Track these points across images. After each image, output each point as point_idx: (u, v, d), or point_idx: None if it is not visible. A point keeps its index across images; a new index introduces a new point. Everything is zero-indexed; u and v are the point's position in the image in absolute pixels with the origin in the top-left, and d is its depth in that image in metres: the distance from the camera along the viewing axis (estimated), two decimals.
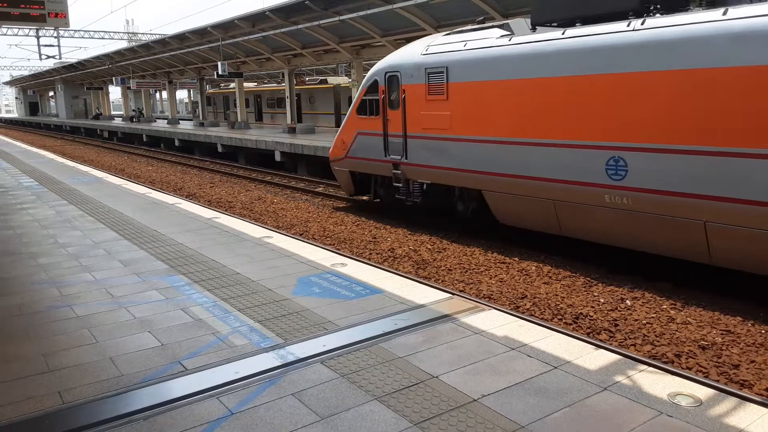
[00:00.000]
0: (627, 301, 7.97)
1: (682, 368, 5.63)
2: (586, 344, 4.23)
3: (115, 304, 5.44)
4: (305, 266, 6.49)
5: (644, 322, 7.29)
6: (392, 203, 13.37)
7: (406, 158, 11.88)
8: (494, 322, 4.70)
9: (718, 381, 5.69)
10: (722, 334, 6.86)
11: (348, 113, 13.75)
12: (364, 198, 15.25)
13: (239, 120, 33.71)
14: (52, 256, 7.22)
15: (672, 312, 7.55)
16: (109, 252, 7.37)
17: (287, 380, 3.82)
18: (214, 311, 5.19)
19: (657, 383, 3.60)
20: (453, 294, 5.47)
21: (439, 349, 4.20)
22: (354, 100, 13.57)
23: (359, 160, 13.35)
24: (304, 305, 5.23)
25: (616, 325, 7.24)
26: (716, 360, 6.24)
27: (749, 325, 7.09)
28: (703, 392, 3.45)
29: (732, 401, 3.34)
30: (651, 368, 3.80)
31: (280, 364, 4.07)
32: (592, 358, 4.00)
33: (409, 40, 21.50)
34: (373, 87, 12.62)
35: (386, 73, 12.31)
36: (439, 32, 18.74)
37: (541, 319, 7.14)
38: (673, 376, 3.72)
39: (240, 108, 33.92)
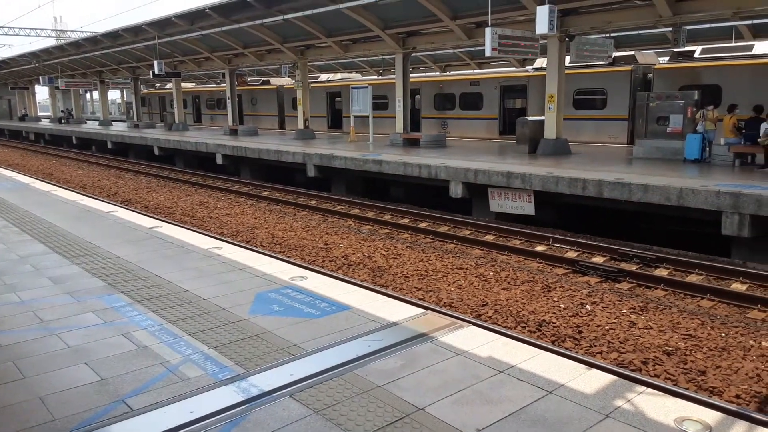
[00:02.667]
0: (587, 306, 7.89)
1: (681, 387, 5.49)
2: (578, 363, 3.95)
3: (44, 331, 4.76)
4: (261, 280, 5.96)
5: (607, 327, 7.20)
6: None
7: None
8: (475, 340, 4.36)
9: (690, 390, 5.61)
10: (684, 338, 6.84)
11: None
12: None
13: (177, 121, 32.37)
14: None
15: (632, 317, 7.50)
16: (36, 268, 6.59)
17: (252, 420, 3.33)
18: (162, 336, 4.61)
19: (660, 407, 3.35)
20: (427, 309, 5.10)
21: (420, 375, 3.81)
22: None
23: None
24: (265, 326, 4.72)
25: (580, 331, 7.11)
26: (683, 366, 6.18)
27: (708, 328, 7.11)
28: (711, 416, 3.22)
29: (742, 426, 3.13)
30: (650, 389, 3.55)
31: (242, 399, 3.58)
32: (586, 379, 3.72)
33: (355, 42, 21.19)
34: None
35: None
36: (386, 33, 18.56)
37: (525, 335, 6.93)
38: (675, 398, 3.48)
39: (178, 109, 32.58)
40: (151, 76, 29.33)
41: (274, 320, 4.84)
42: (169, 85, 40.13)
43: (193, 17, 22.96)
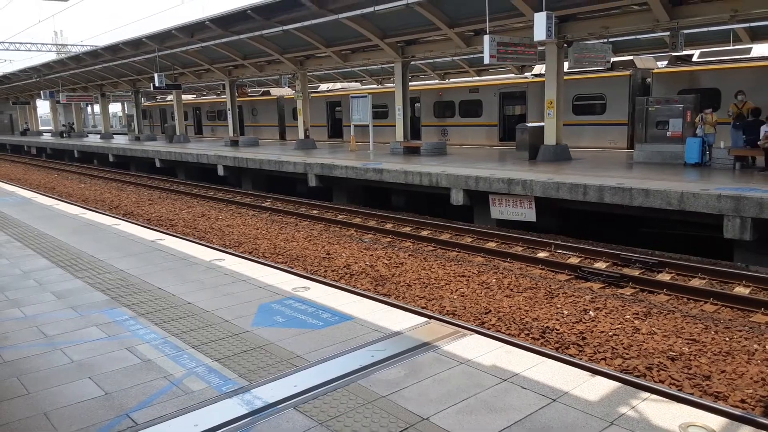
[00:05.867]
0: (590, 312, 7.87)
1: (684, 392, 5.47)
2: (581, 371, 3.94)
3: (48, 345, 4.77)
4: (264, 292, 5.97)
5: (610, 333, 7.18)
6: None
7: None
8: (479, 348, 4.36)
9: (695, 395, 5.59)
10: (688, 343, 6.83)
11: None
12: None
13: (178, 133, 32.47)
14: None
15: (636, 322, 7.48)
16: (40, 282, 6.60)
17: None
18: (165, 349, 4.62)
19: (664, 413, 3.34)
20: (430, 318, 5.10)
21: (424, 385, 3.81)
22: None
23: None
24: (268, 338, 4.73)
25: (584, 338, 7.10)
26: (687, 371, 6.16)
27: (712, 333, 7.09)
28: (715, 422, 3.21)
29: (747, 431, 3.12)
30: (654, 395, 3.55)
31: (246, 411, 3.58)
32: (590, 386, 3.72)
33: (354, 51, 21.29)
34: None
35: None
36: (385, 42, 18.64)
37: (529, 342, 6.93)
38: (680, 404, 3.47)
39: (179, 121, 32.69)
40: (152, 89, 29.46)
41: (278, 332, 4.84)
42: (169, 97, 40.32)
43: (192, 29, 23.11)
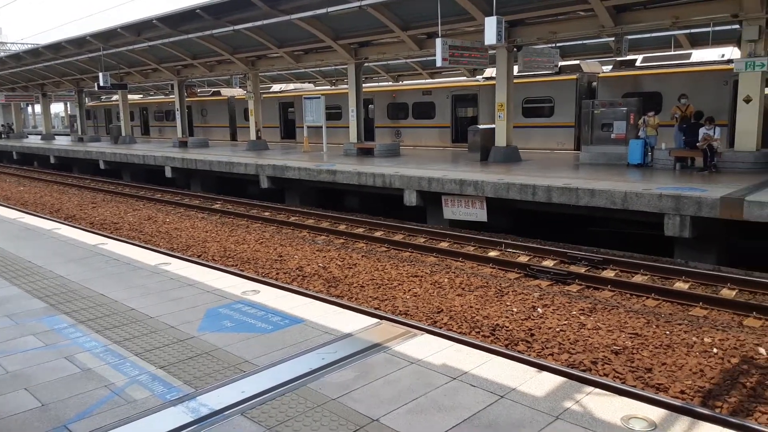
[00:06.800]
0: (539, 309, 8.03)
1: (627, 385, 5.62)
2: (529, 367, 4.01)
3: None
4: (212, 296, 5.83)
5: (558, 329, 7.35)
6: None
7: None
8: (429, 348, 4.37)
9: (637, 387, 5.77)
10: (631, 337, 7.04)
11: None
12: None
13: (123, 134, 31.51)
14: None
15: (582, 318, 7.68)
16: None
17: None
18: (106, 358, 4.45)
19: (607, 406, 3.43)
20: (381, 318, 5.09)
21: (375, 386, 3.79)
22: None
23: None
24: (215, 343, 4.61)
25: (532, 334, 7.24)
26: (630, 365, 6.36)
27: (654, 327, 7.35)
28: (655, 413, 3.32)
29: (685, 422, 3.23)
30: (598, 389, 3.64)
31: (191, 419, 3.47)
32: (536, 382, 3.78)
33: (307, 52, 21.13)
34: None
35: None
36: (338, 43, 18.58)
37: (479, 339, 7.00)
38: (622, 397, 3.57)
39: (124, 121, 31.72)
40: (96, 89, 28.50)
41: (225, 336, 4.73)
42: (115, 97, 39.05)
43: (139, 28, 22.46)
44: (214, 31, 19.44)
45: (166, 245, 12.30)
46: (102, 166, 25.75)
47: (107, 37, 24.16)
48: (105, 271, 6.95)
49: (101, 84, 26.13)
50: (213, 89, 35.55)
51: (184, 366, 4.23)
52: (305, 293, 7.40)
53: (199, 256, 11.22)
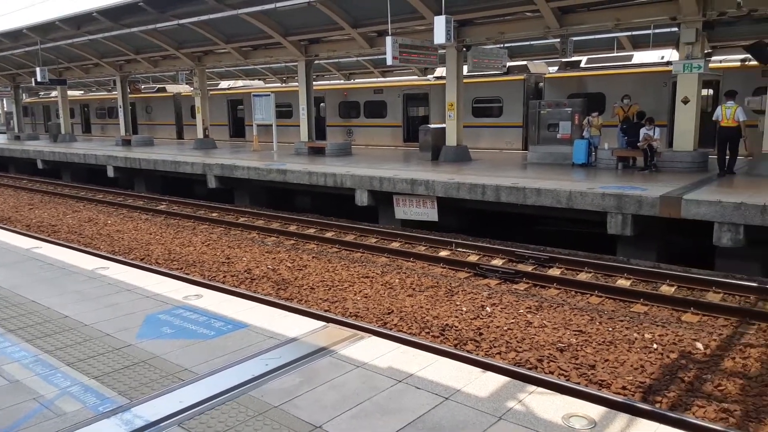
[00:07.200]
0: (487, 308, 8.11)
1: (571, 382, 5.71)
2: (474, 367, 4.01)
3: None
4: (152, 301, 5.61)
5: (505, 328, 7.43)
6: None
7: None
8: (376, 350, 4.32)
9: (581, 384, 5.89)
10: (576, 334, 7.20)
11: None
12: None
13: (63, 132, 30.21)
14: None
15: (529, 316, 7.80)
16: None
17: None
18: (36, 368, 4.20)
19: (549, 405, 3.46)
20: (328, 321, 5.01)
21: (319, 391, 3.71)
22: None
23: None
24: (153, 351, 4.43)
25: (481, 333, 7.30)
26: (574, 362, 6.49)
27: (597, 324, 7.53)
28: (595, 411, 3.37)
29: (623, 419, 3.29)
30: (541, 388, 3.67)
31: None
32: (481, 383, 3.78)
33: (256, 48, 20.76)
34: None
35: None
36: (287, 39, 18.32)
37: (429, 340, 6.99)
38: (564, 395, 3.62)
39: (64, 118, 30.42)
40: (34, 84, 27.24)
41: (164, 344, 4.55)
42: (54, 93, 37.40)
43: (79, 21, 21.54)
44: (159, 25, 18.85)
45: (107, 248, 11.83)
46: (40, 165, 24.63)
47: (45, 30, 23.10)
48: (38, 276, 6.60)
49: (39, 79, 25.01)
50: (158, 85, 34.51)
51: (119, 376, 4.03)
52: (251, 296, 7.23)
53: (142, 260, 10.84)
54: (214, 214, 15.17)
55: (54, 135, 30.86)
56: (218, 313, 5.23)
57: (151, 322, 5.01)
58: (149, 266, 9.65)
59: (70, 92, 34.07)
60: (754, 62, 13.37)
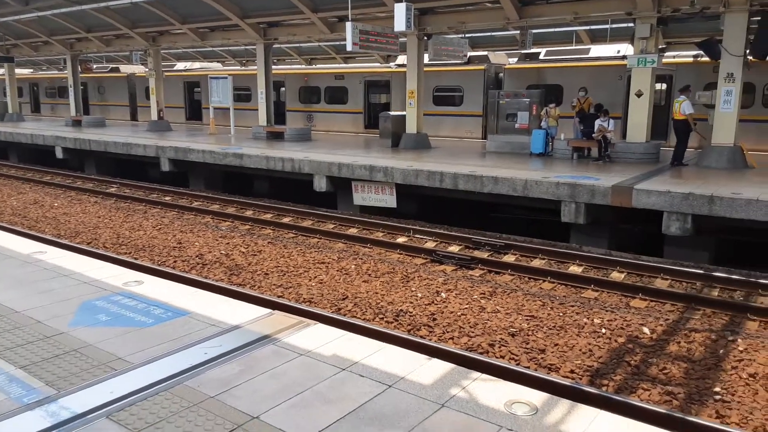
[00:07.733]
0: (442, 294, 8.11)
1: (521, 366, 5.71)
2: (419, 354, 3.95)
3: None
4: (89, 287, 5.35)
5: (459, 314, 7.44)
6: None
7: None
8: (321, 338, 4.21)
9: (532, 369, 5.93)
10: (527, 319, 7.25)
11: None
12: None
13: (10, 111, 28.93)
14: None
15: (482, 302, 7.83)
16: None
17: None
18: None
19: (492, 392, 3.43)
20: (273, 309, 4.87)
21: (259, 381, 3.59)
22: None
23: None
24: (86, 339, 4.21)
25: (434, 319, 7.29)
26: (525, 346, 6.53)
27: (549, 309, 7.61)
28: (537, 397, 3.35)
29: (565, 405, 3.28)
30: (485, 375, 3.63)
31: (49, 425, 3.12)
32: (425, 370, 3.72)
33: (213, 30, 20.18)
34: None
35: None
36: (246, 22, 17.85)
37: (369, 326, 6.90)
38: (506, 382, 3.59)
39: (11, 97, 29.10)
40: None
41: (99, 331, 4.34)
42: (0, 71, 35.70)
43: None
44: (111, 3, 18.12)
45: (53, 232, 11.36)
46: None
47: None
48: None
49: None
50: (112, 65, 33.33)
51: (47, 365, 3.82)
52: (196, 281, 7.01)
53: (88, 244, 10.44)
54: (166, 198, 14.75)
55: (1, 114, 29.52)
56: (159, 299, 5.02)
57: (87, 309, 4.78)
58: (90, 249, 9.29)
59: (18, 70, 32.58)
60: (705, 58, 13.68)
